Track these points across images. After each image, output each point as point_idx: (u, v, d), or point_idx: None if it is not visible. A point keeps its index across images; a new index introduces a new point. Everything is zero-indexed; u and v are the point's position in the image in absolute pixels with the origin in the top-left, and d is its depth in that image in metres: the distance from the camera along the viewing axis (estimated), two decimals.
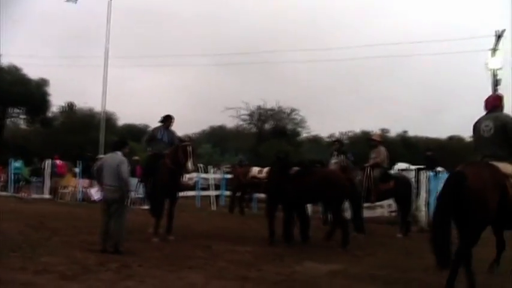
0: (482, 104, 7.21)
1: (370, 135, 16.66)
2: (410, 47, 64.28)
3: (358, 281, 7.46)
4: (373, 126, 52.94)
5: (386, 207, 15.39)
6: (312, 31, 66.18)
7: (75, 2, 23.45)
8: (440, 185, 16.40)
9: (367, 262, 8.94)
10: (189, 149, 10.69)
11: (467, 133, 52.46)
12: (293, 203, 10.73)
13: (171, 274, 7.42)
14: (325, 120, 62.52)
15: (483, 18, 50.15)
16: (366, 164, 12.59)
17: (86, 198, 20.61)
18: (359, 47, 66.80)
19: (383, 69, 60.30)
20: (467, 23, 52.36)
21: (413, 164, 20.96)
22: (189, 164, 10.66)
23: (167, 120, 11.75)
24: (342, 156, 12.63)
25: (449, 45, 49.38)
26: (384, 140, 14.17)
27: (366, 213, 13.14)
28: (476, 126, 7.12)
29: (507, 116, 6.99)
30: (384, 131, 43.74)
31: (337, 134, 51.57)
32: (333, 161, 12.58)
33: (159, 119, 11.82)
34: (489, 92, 17.28)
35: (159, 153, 11.25)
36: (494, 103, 7.17)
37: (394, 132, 47.97)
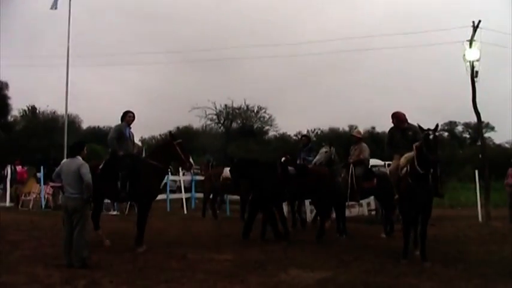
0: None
1: (351, 132, 16.26)
2: (380, 39, 64.06)
3: None
4: (341, 123, 52.98)
5: (365, 206, 14.94)
6: (273, 26, 65.76)
7: (56, 8, 22.41)
8: None
9: (356, 267, 8.35)
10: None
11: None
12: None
13: None
14: (292, 117, 62.24)
15: (457, 9, 50.22)
16: (350, 160, 12.06)
17: (50, 205, 19.57)
18: (325, 41, 66.45)
19: (350, 63, 60.31)
20: (440, 15, 52.39)
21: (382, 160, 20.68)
22: (191, 160, 10.32)
23: (126, 115, 10.55)
24: (332, 148, 12.04)
25: (423, 37, 49.33)
26: (363, 136, 13.66)
27: (345, 213, 12.68)
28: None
29: None
30: (353, 127, 43.54)
31: (305, 132, 51.41)
32: (324, 150, 11.97)
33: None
34: (468, 84, 17.13)
35: (133, 154, 10.38)
36: None
37: (362, 128, 47.85)
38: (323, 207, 11.59)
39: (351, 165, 11.89)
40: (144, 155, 13.41)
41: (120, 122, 10.60)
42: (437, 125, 8.40)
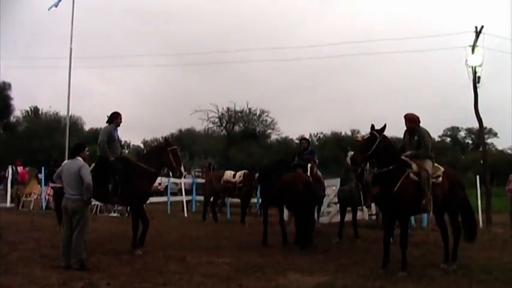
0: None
1: (354, 137, 16.32)
2: (382, 44, 63.98)
3: None
4: (343, 127, 52.94)
5: (366, 211, 14.86)
6: (276, 30, 65.87)
7: (56, 6, 22.20)
8: None
9: (355, 272, 8.32)
10: (179, 153, 10.28)
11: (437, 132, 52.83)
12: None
13: None
14: (295, 121, 62.28)
15: (459, 15, 50.24)
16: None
17: (50, 206, 19.50)
18: (327, 45, 66.57)
19: (353, 67, 60.28)
20: (443, 20, 52.41)
21: None
22: (182, 169, 10.33)
23: (117, 117, 10.28)
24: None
25: (426, 42, 49.18)
26: None
27: (346, 217, 12.72)
28: None
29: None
30: (355, 131, 43.54)
31: (307, 136, 51.39)
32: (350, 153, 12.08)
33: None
34: (471, 88, 17.14)
35: (124, 158, 10.32)
36: None
37: (364, 132, 47.69)
38: (300, 213, 10.99)
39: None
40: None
41: (107, 124, 10.31)
42: (372, 126, 8.63)
